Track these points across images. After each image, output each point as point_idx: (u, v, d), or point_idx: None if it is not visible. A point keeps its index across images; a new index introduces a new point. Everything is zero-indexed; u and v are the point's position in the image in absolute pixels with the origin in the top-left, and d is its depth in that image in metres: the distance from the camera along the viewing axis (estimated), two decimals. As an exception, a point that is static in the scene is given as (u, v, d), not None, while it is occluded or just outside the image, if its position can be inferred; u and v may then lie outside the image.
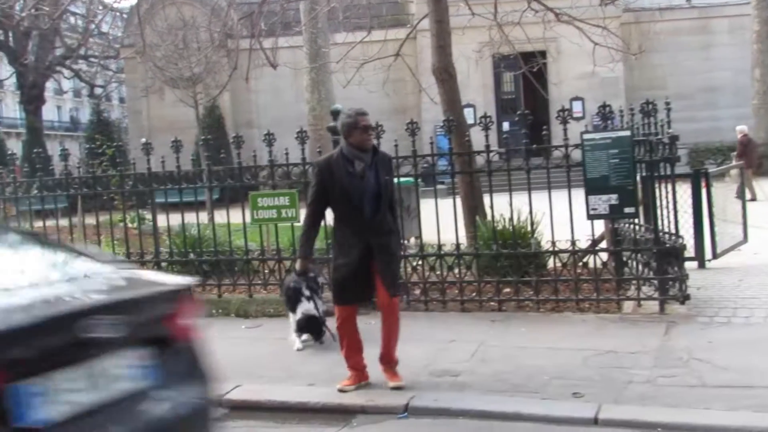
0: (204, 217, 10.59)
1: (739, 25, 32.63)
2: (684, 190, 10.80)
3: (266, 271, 10.19)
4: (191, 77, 22.62)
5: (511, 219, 9.51)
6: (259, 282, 10.22)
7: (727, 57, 33.58)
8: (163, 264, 10.55)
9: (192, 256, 10.55)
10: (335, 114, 9.92)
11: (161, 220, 10.96)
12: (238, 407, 6.57)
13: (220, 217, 10.77)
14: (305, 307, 8.10)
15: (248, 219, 10.07)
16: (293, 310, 8.17)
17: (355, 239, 6.56)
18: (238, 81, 20.76)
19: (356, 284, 6.58)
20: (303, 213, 9.54)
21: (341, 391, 6.60)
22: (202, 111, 26.95)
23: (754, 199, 18.94)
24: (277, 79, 32.39)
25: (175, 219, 10.79)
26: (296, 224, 9.92)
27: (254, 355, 8.00)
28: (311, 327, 8.12)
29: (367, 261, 6.55)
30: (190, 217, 10.75)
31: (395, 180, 10.41)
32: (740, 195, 13.51)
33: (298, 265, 7.15)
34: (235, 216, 10.45)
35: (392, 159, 7.56)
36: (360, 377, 6.74)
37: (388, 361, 6.79)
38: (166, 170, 10.41)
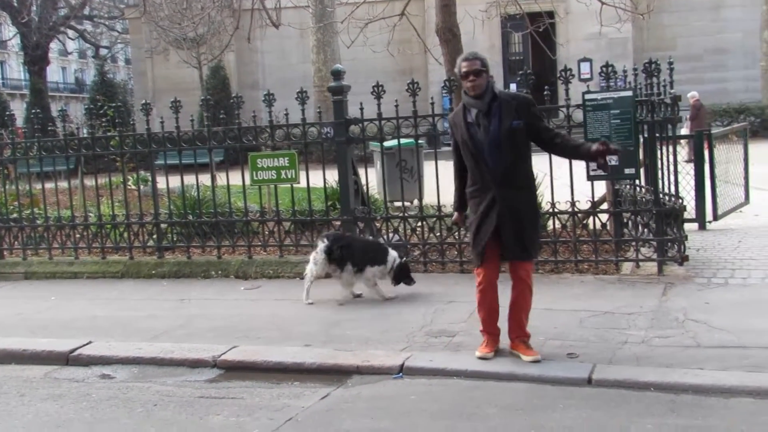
0: (206, 179, 10.57)
1: (751, -15, 32.17)
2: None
3: (266, 232, 10.19)
4: (195, 38, 22.50)
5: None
6: (259, 243, 10.22)
7: (737, 18, 33.05)
8: (163, 225, 10.56)
9: (191, 217, 10.56)
10: (336, 74, 9.85)
11: (162, 182, 10.95)
12: (235, 368, 6.64)
13: (221, 179, 10.74)
14: (393, 255, 8.37)
15: (248, 181, 10.06)
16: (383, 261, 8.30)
17: (482, 194, 6.18)
18: (243, 42, 20.68)
19: (489, 242, 6.16)
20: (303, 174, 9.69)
21: (483, 358, 6.22)
22: (206, 72, 26.84)
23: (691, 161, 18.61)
24: (283, 40, 32.24)
25: (177, 181, 10.80)
26: (296, 185, 9.94)
27: (252, 316, 8.04)
28: (403, 274, 8.34)
29: (495, 217, 6.13)
30: (192, 179, 10.73)
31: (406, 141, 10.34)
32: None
33: (454, 218, 6.84)
34: (236, 178, 10.43)
35: (530, 102, 6.44)
36: (495, 342, 6.38)
37: (517, 334, 6.32)
38: (165, 131, 10.37)
